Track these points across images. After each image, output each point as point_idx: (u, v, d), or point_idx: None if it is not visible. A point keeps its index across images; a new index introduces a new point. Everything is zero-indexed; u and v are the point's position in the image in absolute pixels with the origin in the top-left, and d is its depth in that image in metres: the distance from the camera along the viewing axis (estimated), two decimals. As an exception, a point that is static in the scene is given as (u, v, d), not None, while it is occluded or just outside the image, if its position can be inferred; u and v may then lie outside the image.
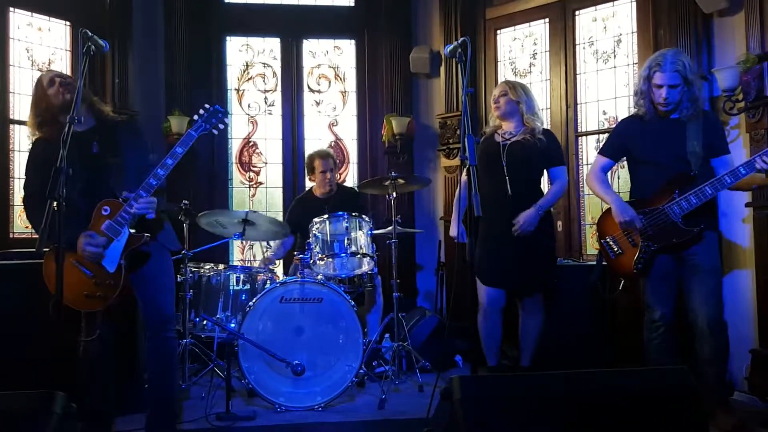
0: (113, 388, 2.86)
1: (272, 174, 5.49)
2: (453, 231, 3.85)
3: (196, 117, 2.82)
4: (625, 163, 3.38)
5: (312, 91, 5.54)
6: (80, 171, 2.65)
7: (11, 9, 4.56)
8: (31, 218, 2.84)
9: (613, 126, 4.41)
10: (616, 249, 3.16)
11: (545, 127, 3.83)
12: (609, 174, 3.47)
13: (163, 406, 2.79)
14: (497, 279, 3.57)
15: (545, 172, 3.69)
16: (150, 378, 2.79)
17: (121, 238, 2.65)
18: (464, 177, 3.54)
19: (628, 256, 3.11)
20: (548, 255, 3.65)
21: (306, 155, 4.64)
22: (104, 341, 2.78)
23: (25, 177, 2.91)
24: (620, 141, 3.26)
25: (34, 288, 3.11)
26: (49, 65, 4.74)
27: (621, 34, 4.57)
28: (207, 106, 2.86)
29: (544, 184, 3.77)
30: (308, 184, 5.27)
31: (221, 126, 2.85)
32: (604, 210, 3.29)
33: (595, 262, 3.34)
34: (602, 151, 3.33)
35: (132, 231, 2.66)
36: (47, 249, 2.65)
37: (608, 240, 3.19)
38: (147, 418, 2.79)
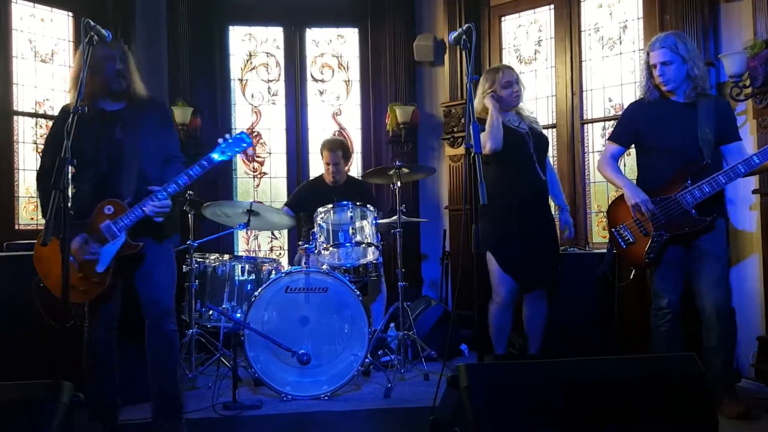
0: (117, 378, 2.87)
1: (276, 164, 5.48)
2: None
3: (220, 140, 2.77)
4: (632, 150, 3.35)
5: (315, 80, 5.52)
6: (101, 156, 2.64)
7: (14, 0, 4.54)
8: (40, 196, 2.81)
9: (620, 113, 4.39)
10: (627, 238, 3.13)
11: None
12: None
13: (166, 395, 2.80)
14: (526, 272, 3.51)
15: None
16: (152, 368, 2.80)
17: (117, 242, 2.63)
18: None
19: (639, 245, 3.09)
20: (558, 243, 3.69)
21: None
22: (107, 331, 2.79)
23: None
24: (629, 127, 3.22)
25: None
26: (52, 56, 4.74)
27: (627, 20, 4.53)
28: (239, 131, 2.82)
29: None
30: (315, 171, 5.27)
31: (241, 157, 2.82)
32: (613, 199, 3.27)
33: (605, 251, 3.32)
34: (612, 138, 3.29)
35: (128, 238, 2.64)
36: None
37: (619, 229, 3.16)
38: (153, 408, 2.81)
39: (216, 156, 2.74)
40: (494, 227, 3.47)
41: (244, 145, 2.77)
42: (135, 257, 2.71)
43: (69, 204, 2.31)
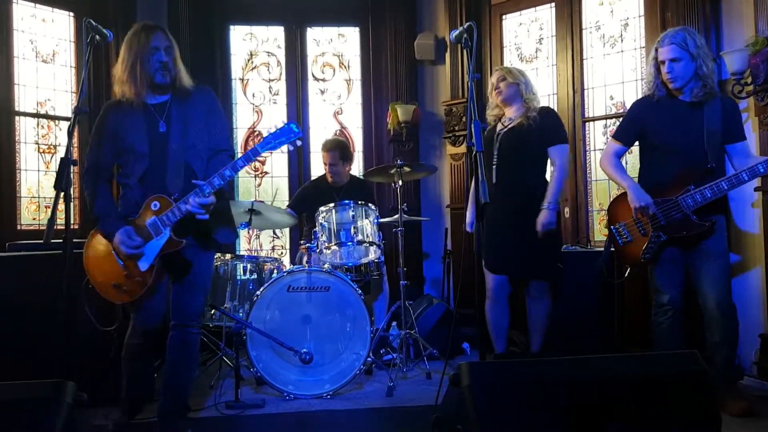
0: (144, 382, 2.88)
1: (277, 164, 5.48)
2: (468, 219, 3.84)
3: (267, 131, 2.68)
4: (634, 148, 3.34)
5: (316, 79, 5.52)
6: (145, 151, 2.61)
7: (14, 0, 4.54)
8: (86, 195, 2.70)
9: (621, 111, 4.39)
10: (625, 236, 3.14)
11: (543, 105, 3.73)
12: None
13: (176, 397, 2.78)
14: (499, 265, 3.56)
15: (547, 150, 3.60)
16: (169, 370, 2.76)
17: (161, 238, 2.57)
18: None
19: (636, 244, 3.09)
20: (551, 240, 3.53)
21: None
22: (144, 337, 2.75)
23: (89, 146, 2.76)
24: (635, 125, 3.20)
25: (41, 278, 3.14)
26: (53, 56, 4.74)
27: (628, 18, 4.53)
28: (284, 122, 2.64)
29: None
30: (316, 170, 5.28)
31: (291, 148, 2.63)
32: (614, 196, 3.26)
33: (603, 248, 3.32)
34: (615, 136, 3.28)
35: (172, 235, 2.58)
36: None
37: (618, 227, 3.16)
38: (159, 407, 2.79)
39: (262, 148, 2.61)
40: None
41: (293, 135, 2.60)
42: (179, 256, 2.65)
43: (70, 204, 2.31)
